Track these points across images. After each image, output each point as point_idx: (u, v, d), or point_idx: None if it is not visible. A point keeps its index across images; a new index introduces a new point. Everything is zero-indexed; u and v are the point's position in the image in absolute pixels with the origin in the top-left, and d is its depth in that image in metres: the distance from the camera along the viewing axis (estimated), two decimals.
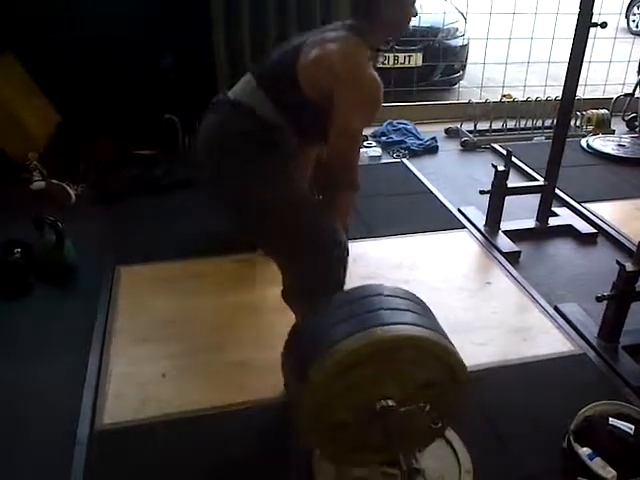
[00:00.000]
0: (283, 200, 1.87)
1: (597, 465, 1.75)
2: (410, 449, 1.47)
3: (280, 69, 1.89)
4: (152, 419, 1.92)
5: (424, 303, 1.55)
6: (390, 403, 1.41)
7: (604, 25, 2.74)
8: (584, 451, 1.79)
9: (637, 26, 9.33)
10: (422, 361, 1.42)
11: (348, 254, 1.92)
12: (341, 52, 1.79)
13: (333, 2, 3.61)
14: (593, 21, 2.71)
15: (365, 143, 4.16)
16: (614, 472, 1.73)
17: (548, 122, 4.54)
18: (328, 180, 1.93)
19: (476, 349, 2.27)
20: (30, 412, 1.96)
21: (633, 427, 1.84)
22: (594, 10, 2.71)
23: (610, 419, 1.87)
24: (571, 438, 1.82)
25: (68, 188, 3.26)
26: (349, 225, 2.01)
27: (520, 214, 3.25)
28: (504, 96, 4.78)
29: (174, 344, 2.27)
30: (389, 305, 1.43)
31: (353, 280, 1.92)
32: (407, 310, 1.44)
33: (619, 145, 4.28)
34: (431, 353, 1.41)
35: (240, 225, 2.15)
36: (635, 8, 9.48)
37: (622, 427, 1.84)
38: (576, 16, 2.75)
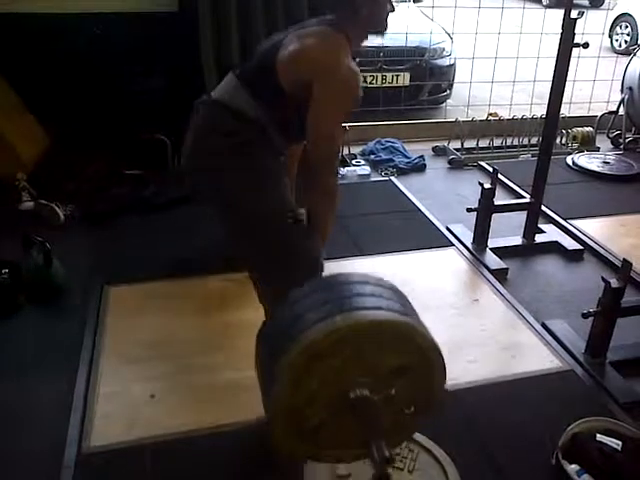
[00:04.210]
0: (268, 213, 1.90)
1: None
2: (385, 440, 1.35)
3: (260, 66, 1.93)
4: (141, 440, 1.91)
5: (396, 288, 1.46)
6: (365, 392, 1.32)
7: (586, 45, 2.79)
8: (572, 468, 1.79)
9: (620, 45, 9.51)
10: (390, 346, 1.33)
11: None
12: (320, 45, 1.84)
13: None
14: (575, 41, 2.77)
15: (354, 161, 4.20)
16: None
17: (534, 140, 4.59)
18: (307, 178, 1.93)
19: (467, 366, 2.28)
20: (16, 434, 1.94)
21: (620, 443, 1.85)
22: (579, 30, 2.77)
23: (598, 435, 1.88)
24: (559, 455, 1.83)
25: (57, 208, 3.26)
26: (330, 237, 2.05)
27: (507, 231, 3.28)
28: (490, 114, 4.85)
29: (163, 364, 2.26)
30: (354, 291, 1.35)
31: None
32: (372, 295, 1.35)
33: (604, 162, 4.34)
34: (398, 336, 1.33)
35: (225, 228, 2.14)
36: (618, 28, 9.67)
37: (610, 443, 1.85)
38: (559, 37, 2.81)
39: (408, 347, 1.34)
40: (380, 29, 2.06)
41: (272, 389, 1.31)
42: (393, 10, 2.00)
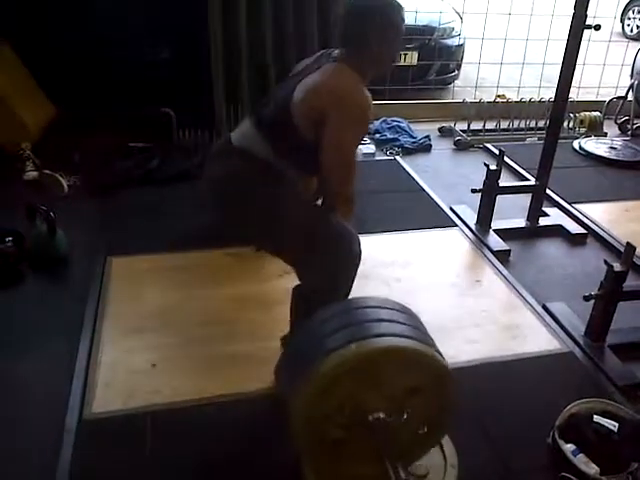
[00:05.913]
0: (300, 211, 1.97)
1: (580, 461, 1.77)
2: (403, 460, 1.48)
3: (275, 114, 1.97)
4: (141, 409, 1.93)
5: (410, 311, 1.56)
6: (381, 415, 1.43)
7: (598, 27, 2.76)
8: (568, 447, 1.81)
9: (631, 30, 9.39)
10: (403, 369, 1.43)
11: (360, 261, 1.96)
12: (334, 78, 1.89)
13: None
14: (587, 23, 2.74)
15: None
16: (597, 468, 1.76)
17: (541, 123, 4.56)
18: (326, 198, 2.07)
19: (467, 345, 2.30)
20: (18, 400, 1.96)
21: (617, 424, 1.87)
22: (590, 13, 2.73)
23: (594, 416, 1.90)
24: (556, 434, 1.84)
25: (61, 179, 3.26)
26: None
27: (511, 213, 3.28)
28: (498, 96, 4.81)
29: (165, 335, 2.27)
30: (370, 317, 1.45)
31: None
32: (388, 320, 1.45)
33: (611, 148, 4.32)
34: (410, 361, 1.43)
35: (261, 241, 2.23)
36: (630, 13, 9.54)
37: (606, 424, 1.87)
38: (571, 18, 2.77)
39: (422, 370, 1.45)
40: (387, 68, 2.12)
41: (292, 406, 1.42)
42: (399, 54, 2.06)
